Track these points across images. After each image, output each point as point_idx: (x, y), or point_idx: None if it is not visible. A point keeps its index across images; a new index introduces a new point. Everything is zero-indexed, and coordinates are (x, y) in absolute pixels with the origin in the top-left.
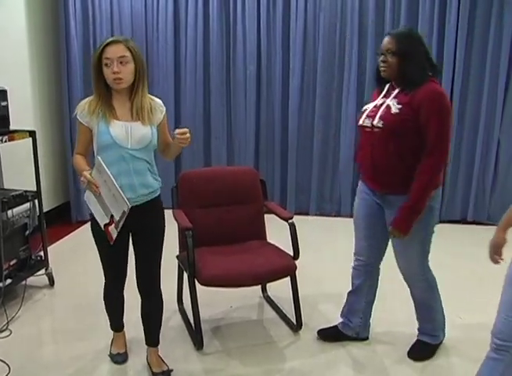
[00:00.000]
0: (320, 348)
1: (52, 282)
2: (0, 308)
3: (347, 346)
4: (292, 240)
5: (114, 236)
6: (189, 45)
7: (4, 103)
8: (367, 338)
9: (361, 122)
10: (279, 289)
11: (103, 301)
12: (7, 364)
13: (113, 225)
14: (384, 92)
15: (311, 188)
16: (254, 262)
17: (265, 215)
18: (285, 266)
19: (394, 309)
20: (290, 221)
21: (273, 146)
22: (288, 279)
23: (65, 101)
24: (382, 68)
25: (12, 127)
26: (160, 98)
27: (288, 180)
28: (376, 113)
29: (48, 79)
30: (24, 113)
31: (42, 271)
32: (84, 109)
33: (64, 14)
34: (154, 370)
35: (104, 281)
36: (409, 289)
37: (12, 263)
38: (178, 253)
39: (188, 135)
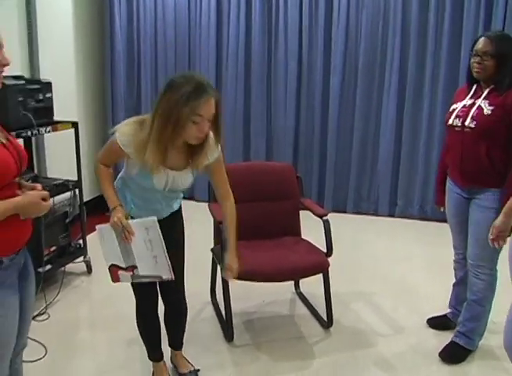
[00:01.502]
0: (350, 345)
1: (89, 269)
2: (40, 292)
3: (378, 346)
4: (326, 237)
5: (123, 281)
6: (230, 42)
7: (48, 95)
8: None
9: (450, 122)
10: (312, 285)
11: (137, 327)
12: (44, 346)
13: (129, 273)
14: (471, 93)
15: (348, 186)
16: (287, 258)
17: (300, 212)
18: (318, 263)
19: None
20: (324, 218)
21: (312, 144)
22: (321, 276)
23: (108, 95)
24: (476, 69)
25: (56, 118)
26: None
27: (326, 178)
28: (467, 114)
29: (93, 73)
30: (68, 105)
31: (81, 258)
32: (130, 141)
33: (109, 10)
34: (181, 371)
35: (135, 303)
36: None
37: (52, 249)
38: (212, 246)
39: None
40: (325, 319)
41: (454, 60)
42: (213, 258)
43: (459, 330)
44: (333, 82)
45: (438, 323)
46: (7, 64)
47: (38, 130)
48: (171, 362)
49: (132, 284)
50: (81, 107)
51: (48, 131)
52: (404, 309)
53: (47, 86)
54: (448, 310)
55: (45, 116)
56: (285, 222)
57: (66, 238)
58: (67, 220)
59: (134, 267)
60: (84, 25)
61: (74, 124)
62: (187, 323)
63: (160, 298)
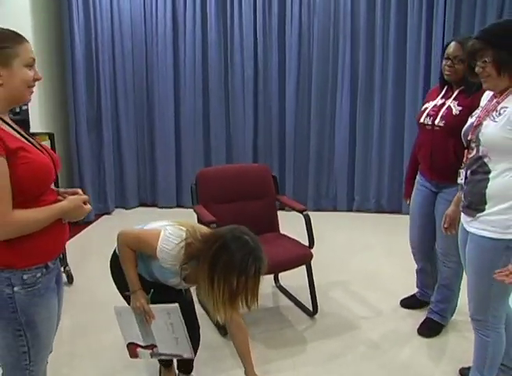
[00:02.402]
0: (336, 329)
1: (71, 279)
2: None
3: (361, 328)
4: (307, 230)
5: (141, 358)
6: (187, 50)
7: (24, 107)
8: None
9: (422, 120)
10: (290, 279)
11: None
12: None
13: (148, 351)
14: (442, 93)
15: (308, 185)
16: (274, 252)
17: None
18: (303, 255)
19: None
20: (304, 212)
21: (271, 146)
22: (297, 269)
23: (70, 106)
24: (447, 72)
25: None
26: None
27: (286, 178)
28: (437, 113)
29: (54, 85)
30: (32, 116)
31: (61, 269)
32: (176, 263)
33: (68, 22)
34: None
35: None
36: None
37: None
38: None
39: None
40: (308, 308)
41: (401, 61)
42: None
43: (432, 308)
44: (288, 86)
45: (409, 303)
46: (39, 79)
47: None
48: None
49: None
50: (43, 118)
51: None
52: (377, 294)
53: None
54: (416, 290)
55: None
56: (264, 220)
57: None
58: None
59: (153, 346)
60: (42, 36)
61: (51, 136)
62: None
63: None
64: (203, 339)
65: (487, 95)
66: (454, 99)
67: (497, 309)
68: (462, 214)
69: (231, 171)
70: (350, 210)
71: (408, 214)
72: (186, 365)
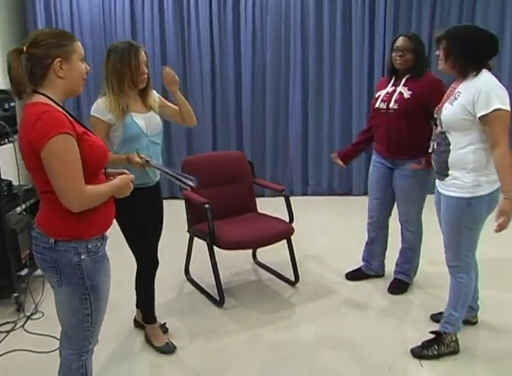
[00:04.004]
0: (318, 294)
1: None
2: (27, 294)
3: (339, 291)
4: (287, 207)
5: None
6: (146, 47)
7: (12, 104)
8: (383, 275)
9: (377, 105)
10: (266, 255)
11: (140, 290)
12: (58, 339)
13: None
14: (392, 82)
15: (265, 173)
16: (260, 228)
17: None
18: (286, 229)
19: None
20: (283, 192)
21: (229, 137)
22: (269, 246)
23: None
24: (399, 62)
25: None
26: None
27: None
28: (390, 98)
29: None
30: None
31: None
32: (103, 107)
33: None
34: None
35: (138, 267)
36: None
37: (26, 253)
38: (182, 231)
39: (171, 72)
40: (289, 278)
41: (347, 56)
42: (190, 239)
43: (397, 270)
44: (244, 80)
45: (354, 276)
46: (88, 71)
47: (14, 138)
48: (135, 325)
49: (135, 248)
50: None
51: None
52: (344, 262)
53: (10, 95)
54: (362, 263)
55: (11, 124)
56: (244, 201)
57: None
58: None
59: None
60: (6, 34)
61: None
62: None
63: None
64: (202, 312)
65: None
66: (403, 85)
67: (468, 255)
68: (436, 179)
69: (213, 159)
70: (305, 194)
71: (358, 195)
72: (150, 317)
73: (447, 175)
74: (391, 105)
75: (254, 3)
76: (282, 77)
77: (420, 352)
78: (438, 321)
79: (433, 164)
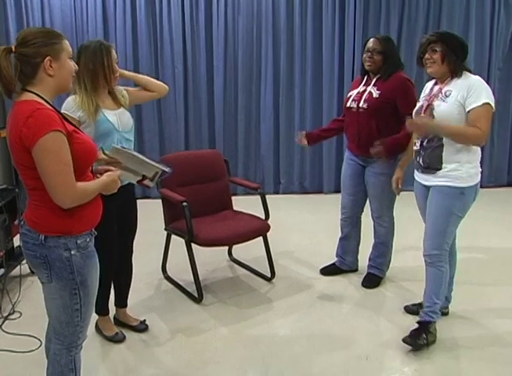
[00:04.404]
0: (294, 289)
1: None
2: (3, 296)
3: (314, 286)
4: (263, 204)
5: (151, 185)
6: (118, 47)
7: None
8: (357, 270)
9: (348, 105)
10: (241, 252)
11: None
12: (36, 338)
13: (147, 180)
14: (363, 82)
15: (237, 172)
16: (237, 225)
17: None
18: (262, 226)
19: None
20: (259, 190)
21: (201, 137)
22: (244, 243)
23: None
24: (368, 63)
25: None
26: None
27: None
28: (361, 98)
29: None
30: None
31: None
32: (74, 105)
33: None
34: (133, 324)
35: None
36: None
37: (2, 253)
38: (157, 230)
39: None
40: (265, 274)
41: (317, 57)
42: (167, 237)
43: (371, 264)
44: (216, 80)
45: (329, 271)
46: (76, 69)
47: None
48: (116, 320)
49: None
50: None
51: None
52: (317, 258)
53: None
54: (336, 259)
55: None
56: (220, 199)
57: (11, 242)
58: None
59: (144, 175)
60: None
61: None
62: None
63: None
64: (181, 309)
65: (425, 87)
66: (373, 85)
67: (448, 244)
68: (419, 174)
69: (189, 157)
70: (277, 192)
71: (329, 193)
72: (125, 299)
73: (439, 169)
74: (361, 104)
75: (226, 3)
76: (253, 77)
77: (415, 342)
78: (410, 312)
79: (418, 159)
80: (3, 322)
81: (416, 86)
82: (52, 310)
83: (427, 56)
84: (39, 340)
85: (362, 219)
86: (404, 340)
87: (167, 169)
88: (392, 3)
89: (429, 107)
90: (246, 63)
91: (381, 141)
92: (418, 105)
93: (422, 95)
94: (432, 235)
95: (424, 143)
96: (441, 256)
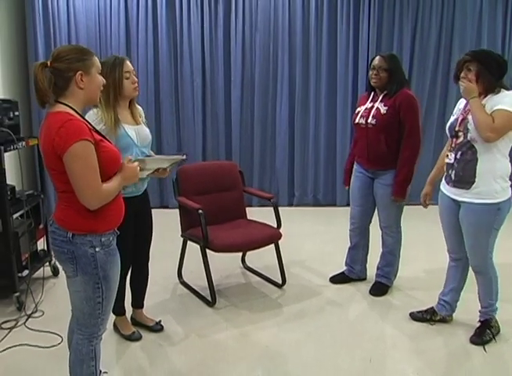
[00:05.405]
0: (304, 296)
1: (56, 272)
2: (28, 295)
3: (323, 293)
4: (275, 213)
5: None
6: (140, 62)
7: (17, 113)
8: (365, 278)
9: (357, 121)
10: (254, 260)
11: None
12: (58, 335)
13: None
14: (370, 98)
15: (252, 184)
16: (250, 233)
17: None
18: (274, 234)
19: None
20: (272, 200)
21: (218, 149)
22: (257, 252)
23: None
24: (374, 80)
25: None
26: None
27: None
28: (369, 114)
29: (15, 90)
30: None
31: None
32: (96, 118)
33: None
34: (149, 324)
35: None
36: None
37: (26, 256)
38: (173, 239)
39: None
40: (276, 281)
41: (332, 73)
42: (183, 242)
43: (378, 273)
44: (233, 95)
45: (338, 279)
46: (105, 83)
47: (19, 145)
48: (133, 321)
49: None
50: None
51: (23, 146)
52: (328, 267)
53: (16, 105)
54: (345, 268)
55: (15, 132)
56: (235, 208)
57: (35, 245)
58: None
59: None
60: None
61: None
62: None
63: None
64: (195, 312)
65: (459, 102)
66: (380, 101)
67: (491, 252)
68: (449, 187)
69: (206, 167)
70: (291, 205)
71: (341, 206)
72: (142, 300)
73: (472, 183)
74: (370, 120)
75: (244, 21)
76: (270, 92)
77: (481, 340)
78: (416, 319)
79: (450, 172)
80: (27, 319)
81: (420, 102)
82: (76, 302)
83: (462, 74)
84: (60, 336)
85: (370, 229)
86: (471, 340)
87: (184, 157)
88: (405, 20)
89: (463, 121)
90: (263, 78)
91: (394, 193)
92: (453, 118)
93: (456, 109)
94: (477, 252)
95: (458, 156)
96: (487, 265)
